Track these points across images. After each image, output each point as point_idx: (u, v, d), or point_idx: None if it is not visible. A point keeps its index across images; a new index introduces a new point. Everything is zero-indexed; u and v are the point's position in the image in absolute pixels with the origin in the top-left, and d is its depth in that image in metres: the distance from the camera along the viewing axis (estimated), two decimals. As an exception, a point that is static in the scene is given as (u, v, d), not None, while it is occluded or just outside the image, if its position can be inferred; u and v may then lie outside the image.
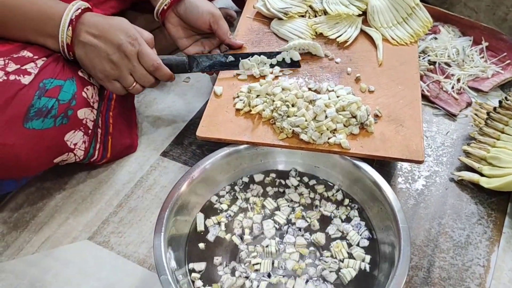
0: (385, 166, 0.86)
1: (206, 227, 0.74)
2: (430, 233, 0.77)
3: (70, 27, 0.73)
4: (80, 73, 0.79)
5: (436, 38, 1.09)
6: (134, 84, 0.80)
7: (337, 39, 0.93)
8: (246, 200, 0.77)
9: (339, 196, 0.76)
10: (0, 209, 0.83)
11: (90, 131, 0.80)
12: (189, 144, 0.92)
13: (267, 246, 0.71)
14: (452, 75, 1.02)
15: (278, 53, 0.87)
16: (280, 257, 0.70)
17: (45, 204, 0.84)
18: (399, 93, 0.83)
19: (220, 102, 0.83)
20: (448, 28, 1.12)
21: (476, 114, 0.90)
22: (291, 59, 0.87)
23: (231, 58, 0.86)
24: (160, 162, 0.90)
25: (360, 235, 0.71)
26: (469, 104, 0.97)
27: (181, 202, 0.71)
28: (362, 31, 0.96)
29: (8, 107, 0.68)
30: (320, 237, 0.71)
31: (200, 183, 0.75)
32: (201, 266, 0.69)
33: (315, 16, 0.98)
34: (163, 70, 0.80)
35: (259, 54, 0.86)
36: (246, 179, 0.80)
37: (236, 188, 0.79)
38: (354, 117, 0.76)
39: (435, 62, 1.04)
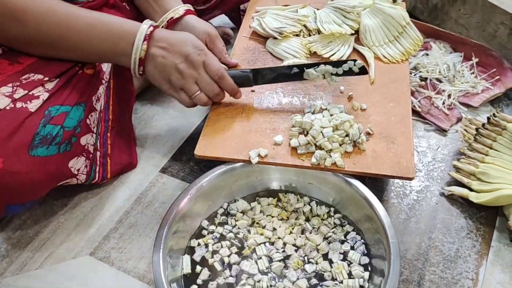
0: (377, 181, 0.88)
1: (193, 269, 0.74)
2: (420, 247, 0.79)
3: (145, 42, 0.77)
4: (93, 98, 0.82)
5: (427, 54, 1.11)
6: (198, 92, 0.82)
7: (331, 58, 0.96)
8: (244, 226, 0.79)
9: (336, 217, 0.79)
10: (4, 226, 0.85)
11: (91, 155, 0.82)
12: (187, 160, 0.95)
13: (258, 281, 0.71)
14: (443, 90, 1.04)
15: (344, 62, 0.84)
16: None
17: (48, 221, 0.86)
18: (391, 111, 0.86)
19: (218, 120, 0.85)
20: (440, 44, 1.14)
21: (465, 130, 0.92)
22: (359, 68, 0.84)
23: (295, 70, 0.85)
24: (159, 179, 0.92)
25: (356, 249, 0.73)
26: (459, 120, 1.00)
27: (178, 219, 0.74)
28: (354, 49, 0.99)
29: (14, 135, 0.69)
30: (325, 266, 0.72)
31: (197, 201, 0.77)
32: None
33: (309, 35, 1.01)
34: (227, 80, 0.83)
35: (325, 63, 0.84)
36: (241, 201, 0.82)
37: (232, 211, 0.81)
38: (347, 135, 0.79)
39: (426, 78, 1.07)
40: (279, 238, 0.76)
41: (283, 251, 0.74)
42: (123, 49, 0.78)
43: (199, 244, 0.76)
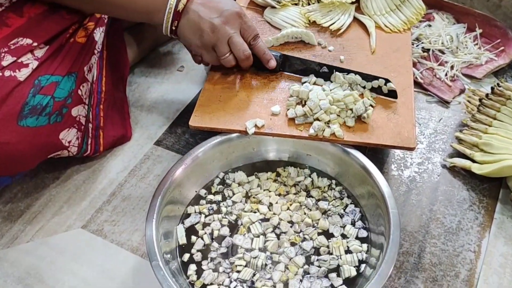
0: (377, 153, 0.86)
1: (189, 240, 0.72)
2: (421, 219, 0.77)
3: None
4: (84, 68, 0.79)
5: (430, 26, 1.08)
6: (228, 54, 0.78)
7: (330, 27, 0.93)
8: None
9: (337, 189, 0.77)
10: (-5, 199, 0.83)
11: (82, 127, 0.80)
12: (183, 133, 0.93)
13: (255, 258, 0.68)
14: (446, 62, 1.01)
15: (376, 78, 0.79)
16: (265, 271, 0.68)
17: (40, 194, 0.84)
18: (392, 80, 0.83)
19: (214, 91, 0.82)
20: (442, 15, 1.11)
21: (468, 101, 0.90)
22: (389, 90, 0.79)
23: (324, 69, 0.81)
24: (153, 151, 0.90)
25: (355, 222, 0.71)
26: (462, 91, 0.97)
27: (173, 189, 0.72)
28: (355, 18, 0.96)
29: (3, 104, 0.67)
30: (322, 240, 0.70)
31: (193, 171, 0.75)
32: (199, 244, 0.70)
33: (308, 4, 0.98)
34: (261, 43, 0.80)
35: (355, 72, 0.80)
36: (239, 172, 0.80)
37: (228, 181, 0.79)
38: (351, 109, 0.76)
39: (429, 49, 1.04)
40: (274, 214, 0.73)
41: (278, 228, 0.72)
42: (158, 4, 0.75)
43: (195, 211, 0.75)
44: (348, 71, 0.80)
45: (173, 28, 0.77)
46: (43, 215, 0.81)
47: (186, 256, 0.69)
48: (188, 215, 0.74)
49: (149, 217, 0.66)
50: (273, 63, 0.82)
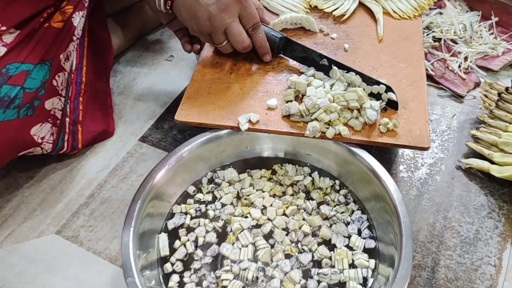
0: (385, 152, 0.78)
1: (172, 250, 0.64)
2: (434, 227, 0.69)
3: None
4: (60, 56, 0.72)
5: (441, 13, 1.02)
6: (225, 43, 0.73)
7: (333, 13, 0.86)
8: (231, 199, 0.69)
9: (341, 193, 0.69)
10: (-40, 201, 0.76)
11: (58, 121, 0.74)
12: (170, 129, 0.85)
13: (244, 269, 0.60)
14: (459, 53, 0.94)
15: (378, 83, 0.69)
16: (256, 284, 0.60)
17: (11, 195, 0.77)
18: (402, 72, 0.75)
19: (203, 82, 0.75)
20: (455, 2, 1.05)
21: (485, 95, 0.83)
22: (388, 99, 0.69)
23: (324, 62, 0.73)
24: (137, 148, 0.82)
25: (362, 231, 0.64)
26: (477, 85, 0.90)
27: (155, 193, 0.64)
28: (360, 3, 0.89)
29: None
30: (323, 251, 0.62)
31: (177, 172, 0.67)
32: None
33: (310, -13, 0.90)
34: (261, 33, 0.73)
35: (356, 72, 0.70)
36: (230, 169, 0.72)
37: (218, 179, 0.71)
38: (358, 110, 0.67)
39: (440, 39, 0.97)
40: (268, 220, 0.65)
41: (272, 237, 0.64)
42: None
43: (180, 211, 0.67)
44: (349, 69, 0.71)
45: (168, 7, 0.71)
46: (14, 218, 0.74)
47: (168, 266, 0.62)
48: (172, 215, 0.67)
49: (125, 227, 0.58)
50: (268, 58, 0.76)
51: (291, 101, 0.69)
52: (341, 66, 0.71)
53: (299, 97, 0.70)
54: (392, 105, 0.69)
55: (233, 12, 0.69)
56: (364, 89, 0.69)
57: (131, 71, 0.97)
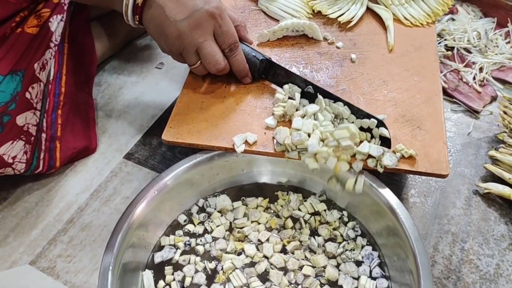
0: (394, 174, 0.72)
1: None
2: (451, 261, 0.63)
3: None
4: (35, 65, 0.67)
5: (453, 19, 0.96)
6: (197, 65, 0.66)
7: (339, 19, 0.81)
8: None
9: (349, 226, 0.62)
10: None
11: (32, 138, 0.68)
12: (159, 145, 0.78)
13: None
14: (474, 63, 0.88)
15: (369, 116, 0.60)
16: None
17: (-20, 219, 0.70)
18: (415, 86, 0.69)
19: (194, 96, 0.68)
20: (467, 7, 1.00)
21: (504, 112, 0.77)
22: (380, 136, 0.60)
23: (309, 89, 0.65)
24: (122, 167, 0.76)
25: (372, 270, 0.57)
26: (494, 99, 0.85)
27: (140, 223, 0.57)
28: (368, 9, 0.84)
29: None
30: None
31: (165, 200, 0.61)
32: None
33: (313, -9, 0.84)
34: (239, 55, 0.66)
35: (345, 103, 0.62)
36: (222, 196, 0.65)
37: (209, 209, 0.65)
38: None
39: (453, 48, 0.91)
40: (264, 257, 0.58)
41: (268, 280, 0.57)
42: None
43: (169, 244, 0.61)
44: (336, 99, 0.63)
45: (136, 22, 0.65)
46: (-17, 246, 0.67)
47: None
48: (160, 247, 0.61)
49: (104, 263, 0.52)
50: (247, 81, 0.69)
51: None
52: (327, 95, 0.63)
53: (286, 118, 0.63)
54: (384, 141, 0.60)
55: (206, 30, 0.63)
56: (353, 122, 0.61)
57: (117, 80, 0.90)
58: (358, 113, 0.61)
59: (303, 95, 0.65)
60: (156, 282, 0.57)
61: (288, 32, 0.77)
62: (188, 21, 0.61)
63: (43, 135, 0.71)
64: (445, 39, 0.91)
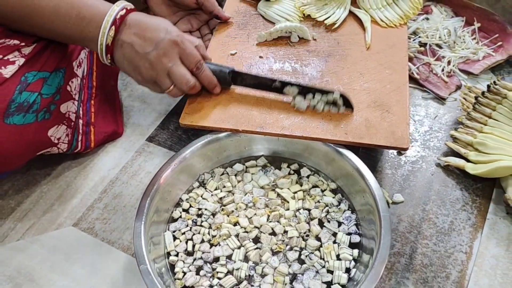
0: (372, 151, 0.85)
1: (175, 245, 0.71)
2: (413, 219, 0.77)
3: (113, 27, 0.69)
4: (73, 63, 0.78)
5: (427, 19, 1.06)
6: (172, 87, 0.74)
7: (325, 21, 0.91)
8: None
9: (332, 186, 0.76)
10: (-15, 196, 0.83)
11: (72, 123, 0.79)
12: (175, 129, 0.91)
13: (237, 269, 0.67)
14: (443, 57, 1.00)
15: (328, 92, 0.75)
16: (252, 280, 0.67)
17: (30, 191, 0.83)
18: (387, 78, 0.82)
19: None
20: (441, 8, 1.09)
21: (464, 98, 0.89)
22: (344, 102, 0.75)
23: (276, 84, 0.76)
24: (145, 148, 0.89)
25: (348, 229, 0.70)
26: (458, 87, 0.96)
27: (162, 191, 0.71)
28: (350, 12, 0.94)
29: None
30: (313, 243, 0.69)
31: (182, 172, 0.74)
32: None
33: (303, -3, 0.96)
34: (205, 71, 0.75)
35: (309, 87, 0.76)
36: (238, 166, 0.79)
37: (220, 174, 0.78)
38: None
39: (426, 44, 1.02)
40: (255, 227, 0.72)
41: (259, 242, 0.70)
42: (91, 33, 0.70)
43: (180, 217, 0.74)
44: (302, 88, 0.75)
45: (109, 61, 0.73)
46: (34, 212, 0.80)
47: (172, 258, 0.69)
48: (174, 220, 0.74)
49: (137, 221, 0.66)
50: (217, 90, 0.78)
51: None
52: (293, 85, 0.75)
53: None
54: (348, 106, 0.75)
55: (173, 55, 0.71)
56: (318, 100, 0.75)
57: (138, 74, 1.03)
58: (323, 90, 0.75)
59: (272, 90, 0.77)
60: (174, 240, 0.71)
61: (282, 33, 0.88)
62: (155, 51, 0.69)
63: (80, 121, 0.83)
64: (419, 36, 1.02)
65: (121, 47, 0.71)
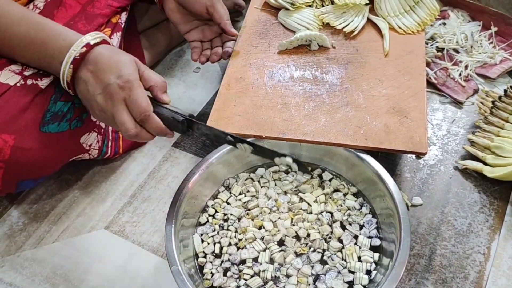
0: (390, 155, 0.87)
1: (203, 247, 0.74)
2: (432, 221, 0.79)
3: (71, 65, 0.67)
4: None
5: (445, 24, 1.08)
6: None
7: (344, 29, 0.93)
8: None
9: (353, 190, 0.78)
10: (21, 201, 0.87)
11: (102, 130, 0.83)
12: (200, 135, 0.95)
13: (263, 271, 0.69)
14: (460, 61, 1.01)
15: (284, 155, 0.74)
16: (278, 281, 0.69)
17: (64, 195, 0.88)
18: (405, 84, 0.84)
19: (229, 95, 0.85)
20: (458, 13, 1.10)
21: (481, 102, 0.90)
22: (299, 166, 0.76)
23: (230, 138, 0.72)
24: (171, 153, 0.93)
25: (369, 233, 0.72)
26: (476, 91, 0.97)
27: (189, 196, 0.74)
28: (369, 20, 0.96)
29: (25, 112, 0.70)
30: (335, 244, 0.71)
31: (208, 178, 0.78)
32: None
33: (322, 6, 0.98)
34: (152, 123, 0.67)
35: (259, 148, 0.73)
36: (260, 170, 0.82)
37: (244, 180, 0.81)
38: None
39: (443, 49, 1.04)
40: (279, 231, 0.73)
41: (283, 245, 0.73)
42: (55, 68, 0.69)
43: (207, 221, 0.77)
44: (256, 147, 0.73)
45: (71, 93, 0.71)
46: (67, 216, 0.85)
47: (201, 259, 0.72)
48: (201, 224, 0.76)
49: (167, 224, 0.69)
50: (170, 136, 0.71)
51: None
52: (244, 142, 0.72)
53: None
54: (300, 167, 0.76)
55: (117, 99, 0.65)
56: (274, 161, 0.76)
57: (162, 82, 1.07)
58: (274, 154, 0.74)
59: (225, 143, 0.73)
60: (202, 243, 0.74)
61: (302, 41, 0.90)
62: (102, 94, 0.65)
63: (110, 128, 0.86)
64: (437, 42, 1.04)
65: (78, 84, 0.68)
